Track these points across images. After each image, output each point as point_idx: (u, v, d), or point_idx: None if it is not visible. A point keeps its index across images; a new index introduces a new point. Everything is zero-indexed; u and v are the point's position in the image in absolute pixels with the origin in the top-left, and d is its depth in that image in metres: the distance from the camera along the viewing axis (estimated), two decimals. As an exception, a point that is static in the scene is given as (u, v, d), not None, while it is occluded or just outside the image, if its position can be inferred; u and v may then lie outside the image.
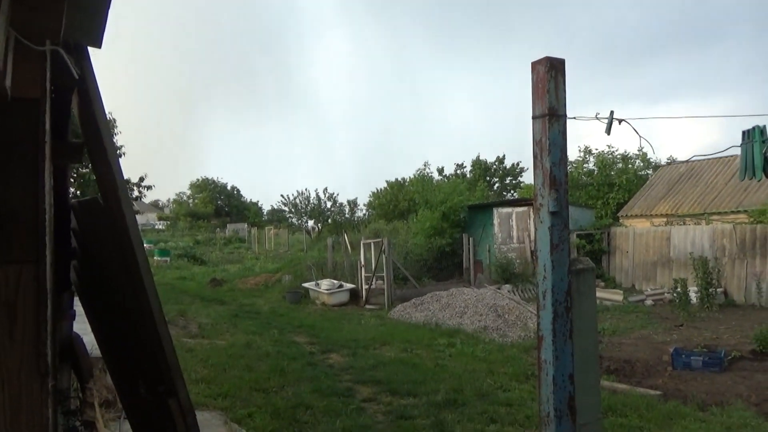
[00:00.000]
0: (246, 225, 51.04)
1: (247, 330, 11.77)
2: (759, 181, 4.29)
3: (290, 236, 41.43)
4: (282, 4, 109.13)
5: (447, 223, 20.72)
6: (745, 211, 21.23)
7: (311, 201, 45.25)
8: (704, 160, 27.52)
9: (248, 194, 71.43)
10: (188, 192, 70.10)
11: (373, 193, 44.51)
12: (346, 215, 45.37)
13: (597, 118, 2.57)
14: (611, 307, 14.41)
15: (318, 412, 6.51)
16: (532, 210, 19.40)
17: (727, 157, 26.10)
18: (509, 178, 35.06)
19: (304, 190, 45.29)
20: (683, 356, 8.61)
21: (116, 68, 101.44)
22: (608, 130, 2.57)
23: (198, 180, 68.59)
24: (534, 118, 2.62)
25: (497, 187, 34.59)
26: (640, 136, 2.66)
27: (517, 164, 35.20)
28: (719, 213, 21.76)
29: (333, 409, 6.57)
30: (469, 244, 18.36)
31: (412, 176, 41.98)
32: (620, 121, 2.59)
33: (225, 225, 54.23)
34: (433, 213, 20.83)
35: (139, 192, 15.41)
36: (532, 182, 2.64)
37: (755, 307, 14.05)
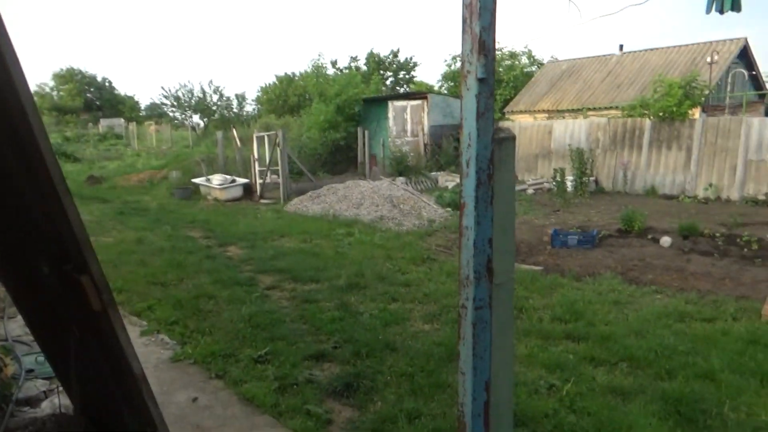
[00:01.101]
0: (122, 120, 47.02)
1: (136, 227, 11.19)
2: (723, 13, 4.06)
3: (173, 132, 38.96)
4: None
5: (342, 117, 20.42)
6: (617, 107, 22.92)
7: (195, 94, 42.37)
8: (585, 59, 28.97)
9: (122, 87, 65.27)
10: (51, 83, 62.70)
11: (262, 88, 42.53)
12: (234, 110, 43.21)
13: None
14: (498, 196, 15.27)
15: (221, 301, 6.46)
16: (426, 104, 19.59)
17: (604, 56, 27.59)
18: (403, 72, 34.81)
19: (187, 82, 42.17)
20: (561, 236, 9.43)
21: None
22: None
23: (62, 70, 61.34)
24: (460, -23, 2.49)
25: (391, 82, 34.30)
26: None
27: (411, 58, 34.94)
28: (595, 109, 23.33)
29: (236, 297, 6.55)
30: (364, 137, 18.31)
31: (302, 71, 40.48)
32: None
33: (98, 120, 49.62)
34: (328, 106, 20.37)
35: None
36: (460, 49, 2.56)
37: (621, 194, 15.56)
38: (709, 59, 21.34)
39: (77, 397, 3.30)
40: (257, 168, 16.13)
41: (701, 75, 17.46)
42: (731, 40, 23.85)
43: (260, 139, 16.90)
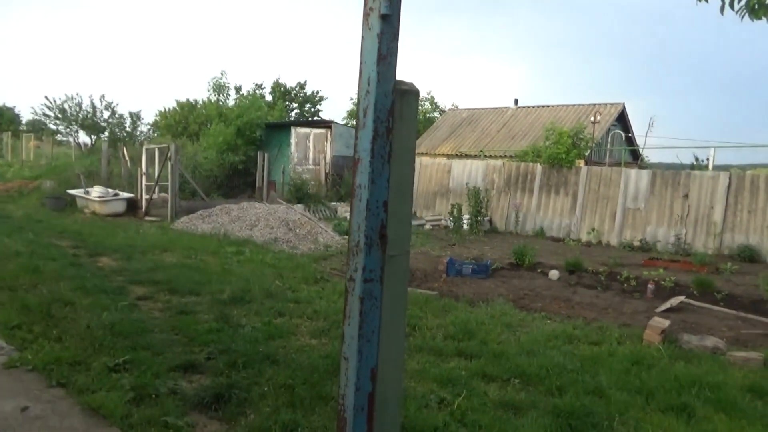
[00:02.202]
0: (-3, 131, 42.65)
1: (-9, 232, 9.83)
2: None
3: (55, 149, 35.89)
4: None
5: (242, 140, 19.72)
6: (511, 156, 24.15)
7: (84, 108, 39.48)
8: (483, 109, 30.50)
9: (1, 98, 59.54)
10: None
11: (161, 112, 40.55)
12: (127, 129, 40.69)
13: None
14: (396, 228, 15.23)
15: (80, 308, 5.65)
16: (330, 133, 19.44)
17: (501, 108, 29.17)
18: (308, 105, 34.66)
19: (75, 95, 39.27)
20: (456, 265, 9.40)
21: None
22: None
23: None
24: None
25: (296, 114, 33.97)
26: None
27: (317, 92, 34.93)
28: (492, 156, 24.40)
29: (99, 305, 5.76)
30: (264, 161, 17.73)
31: (205, 98, 39.14)
32: None
33: (-33, 128, 44.66)
34: (228, 127, 19.61)
35: None
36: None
37: (512, 234, 16.09)
38: (592, 119, 23.11)
39: None
40: (144, 183, 15.01)
41: (586, 130, 18.78)
42: (611, 104, 26.14)
43: (150, 154, 15.82)
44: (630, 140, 27.12)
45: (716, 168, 16.42)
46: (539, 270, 9.92)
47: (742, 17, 3.93)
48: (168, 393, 3.83)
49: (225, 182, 19.26)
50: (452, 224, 15.20)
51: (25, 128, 50.64)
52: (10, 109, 57.72)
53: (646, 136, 39.89)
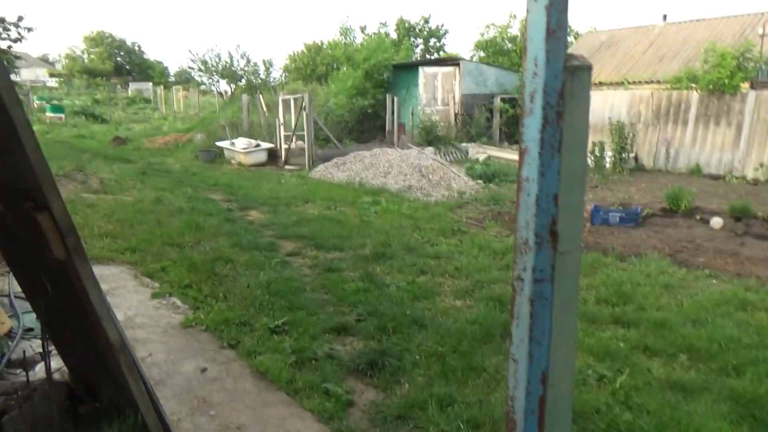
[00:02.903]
0: (150, 84, 46.90)
1: (157, 187, 10.88)
2: None
3: (201, 98, 38.71)
4: None
5: (370, 83, 19.75)
6: (659, 80, 21.78)
7: (223, 59, 41.82)
8: (625, 29, 27.64)
9: (151, 53, 65.10)
10: (82, 46, 62.87)
11: (290, 56, 41.76)
12: (261, 76, 42.60)
13: None
14: (531, 169, 14.59)
15: (239, 265, 6.08)
16: (458, 71, 18.80)
17: (646, 26, 26.27)
18: (433, 39, 33.73)
19: (214, 47, 41.68)
20: (601, 212, 8.81)
21: None
22: None
23: (92, 33, 61.41)
24: None
25: (421, 50, 33.30)
26: None
27: (442, 26, 33.78)
28: (636, 82, 22.21)
29: (255, 262, 6.16)
30: (393, 105, 17.68)
31: (331, 39, 39.58)
32: None
33: (127, 84, 49.66)
34: (356, 71, 19.70)
35: (18, 33, 13.12)
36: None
37: (662, 172, 14.73)
38: (760, 31, 19.96)
39: (68, 360, 2.93)
40: (282, 133, 15.69)
41: (755, 48, 16.31)
42: (787, 11, 22.36)
43: (286, 103, 16.41)
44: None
45: None
46: (698, 216, 8.99)
47: None
48: (325, 357, 4.02)
49: (356, 127, 19.57)
50: (593, 163, 14.23)
51: (173, 80, 55.10)
52: (160, 63, 63.02)
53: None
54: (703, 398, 3.47)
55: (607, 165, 14.21)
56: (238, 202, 9.97)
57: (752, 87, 15.25)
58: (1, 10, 13.15)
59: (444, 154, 16.34)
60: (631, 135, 14.81)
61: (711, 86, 14.15)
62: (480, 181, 12.61)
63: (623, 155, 14.47)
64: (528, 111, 2.16)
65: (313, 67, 39.20)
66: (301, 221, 8.38)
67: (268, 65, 42.72)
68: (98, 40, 61.17)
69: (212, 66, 42.53)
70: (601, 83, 24.08)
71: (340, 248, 6.94)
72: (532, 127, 2.13)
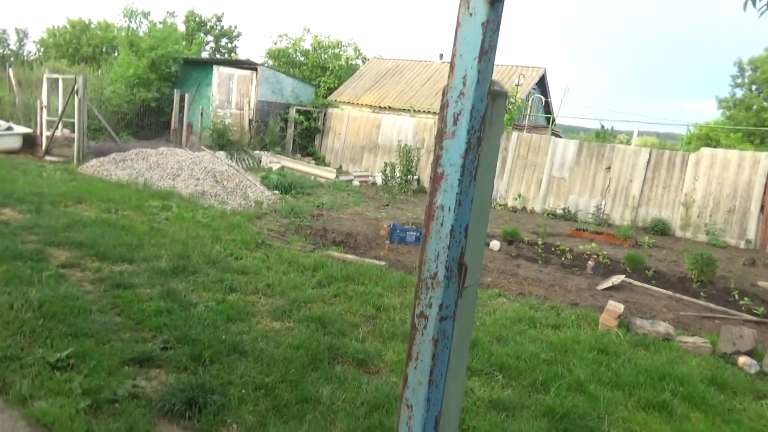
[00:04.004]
0: None
1: None
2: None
3: None
4: None
5: (155, 75, 17.99)
6: (435, 112, 24.00)
7: (-42, 19, 34.41)
8: (408, 61, 29.97)
9: None
10: None
11: (49, 30, 36.24)
12: (12, 47, 36.13)
13: None
14: (325, 184, 14.74)
15: (-5, 279, 4.81)
16: (255, 75, 18.20)
17: (426, 61, 28.81)
18: (225, 39, 32.30)
19: (-54, 3, 34.00)
20: (399, 231, 9.18)
21: None
22: None
23: None
24: None
25: (212, 48, 31.61)
26: None
27: (235, 27, 32.54)
28: (416, 111, 24.15)
29: (18, 276, 4.96)
30: (182, 102, 16.32)
31: (102, 19, 35.41)
32: None
33: None
34: (140, 60, 17.76)
35: None
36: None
37: (440, 195, 16.08)
38: (516, 81, 23.41)
39: None
40: (45, 117, 13.31)
41: (516, 95, 18.94)
42: (534, 67, 26.58)
43: (52, 83, 14.01)
44: (548, 105, 27.90)
45: (621, 133, 17.21)
46: (479, 239, 9.93)
47: (762, 14, 3.82)
48: (129, 397, 3.32)
49: (135, 121, 17.62)
50: (384, 183, 14.92)
51: None
52: None
53: (561, 102, 41.40)
54: (524, 416, 3.68)
55: (395, 185, 15.03)
56: (-16, 196, 8.07)
57: (513, 128, 17.68)
58: None
59: (237, 161, 15.59)
60: (416, 159, 15.90)
61: (483, 122, 15.95)
62: (277, 192, 12.26)
63: (409, 177, 15.45)
64: (449, 133, 1.96)
65: (77, 46, 34.60)
66: (74, 225, 7.08)
67: (21, 35, 36.45)
68: None
69: (-59, 26, 34.75)
70: (389, 107, 25.68)
71: (129, 259, 5.98)
72: (453, 151, 1.94)
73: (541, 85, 27.36)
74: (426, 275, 2.08)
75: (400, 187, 15.15)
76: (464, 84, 1.87)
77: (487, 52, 1.89)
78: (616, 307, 5.90)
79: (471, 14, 1.84)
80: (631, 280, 7.78)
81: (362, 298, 5.68)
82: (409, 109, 24.06)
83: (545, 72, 26.81)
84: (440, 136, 2.00)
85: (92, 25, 35.92)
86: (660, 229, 13.03)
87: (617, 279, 7.57)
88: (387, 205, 13.01)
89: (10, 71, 18.33)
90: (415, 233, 9.16)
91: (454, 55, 1.99)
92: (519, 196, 15.16)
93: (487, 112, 1.96)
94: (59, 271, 5.33)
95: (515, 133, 15.74)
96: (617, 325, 5.73)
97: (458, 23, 1.99)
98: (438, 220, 1.96)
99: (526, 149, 15.34)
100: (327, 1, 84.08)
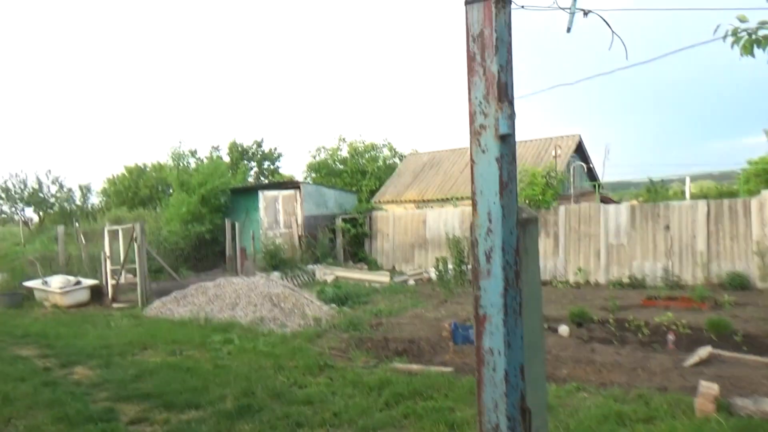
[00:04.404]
0: (-67, 215, 40.26)
1: (-57, 348, 8.77)
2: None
3: (0, 228, 34.01)
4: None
5: (207, 208, 18.94)
6: (478, 197, 24.12)
7: (29, 185, 37.73)
8: (443, 151, 30.65)
9: (-63, 177, 56.58)
10: None
11: (109, 179, 39.24)
12: (77, 202, 39.01)
13: (558, 8, 1.91)
14: (380, 289, 14.68)
15: (68, 449, 4.84)
16: (299, 193, 18.91)
17: (461, 148, 29.38)
18: (267, 162, 34.14)
19: (20, 172, 37.51)
20: (461, 330, 8.89)
21: None
22: (570, 27, 1.94)
23: None
24: (469, 2, 1.83)
25: (255, 173, 33.39)
26: (612, 31, 2.08)
27: (275, 149, 34.47)
28: (458, 198, 24.31)
29: (90, 441, 4.96)
30: (233, 230, 17.00)
31: (155, 162, 38.20)
32: (586, 12, 1.98)
33: None
34: (191, 197, 18.81)
35: None
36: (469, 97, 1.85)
37: (498, 281, 15.73)
38: (553, 153, 23.42)
39: None
40: (109, 267, 14.04)
41: (557, 168, 18.88)
42: (568, 136, 26.66)
43: (113, 234, 14.90)
44: (591, 171, 27.60)
45: (674, 182, 16.64)
46: (546, 326, 9.50)
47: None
48: None
49: (193, 254, 18.36)
50: (438, 277, 14.77)
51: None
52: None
53: (604, 165, 40.93)
54: None
55: (450, 278, 14.83)
56: (57, 356, 8.35)
57: (559, 201, 17.46)
58: None
59: (291, 278, 15.85)
60: (466, 249, 15.77)
61: (528, 202, 15.84)
62: (333, 305, 12.26)
63: (462, 268, 15.25)
64: (484, 272, 1.89)
65: (136, 190, 37.11)
66: (142, 374, 7.19)
67: (85, 190, 39.45)
68: None
69: (15, 193, 38.11)
70: (429, 200, 26.00)
71: (195, 405, 5.96)
72: (491, 291, 1.86)
73: (580, 151, 27.28)
74: (487, 427, 1.95)
75: (455, 279, 14.93)
76: (490, 220, 1.83)
77: (507, 185, 1.86)
78: (709, 387, 5.39)
79: (483, 151, 1.83)
80: (719, 351, 7.17)
81: (433, 415, 5.40)
82: (451, 199, 24.28)
83: (581, 138, 26.82)
84: (475, 275, 1.93)
85: (147, 169, 38.65)
86: (738, 283, 12.20)
87: (704, 352, 6.99)
88: (445, 301, 12.76)
89: (78, 227, 19.72)
90: (477, 330, 8.85)
91: (474, 193, 1.96)
92: (579, 270, 14.64)
93: (520, 243, 1.90)
94: (128, 430, 5.34)
95: (562, 207, 15.50)
96: (716, 408, 5.20)
97: (473, 161, 1.98)
98: (489, 366, 1.85)
99: (576, 221, 15.01)
100: (357, 109, 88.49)
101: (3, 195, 38.56)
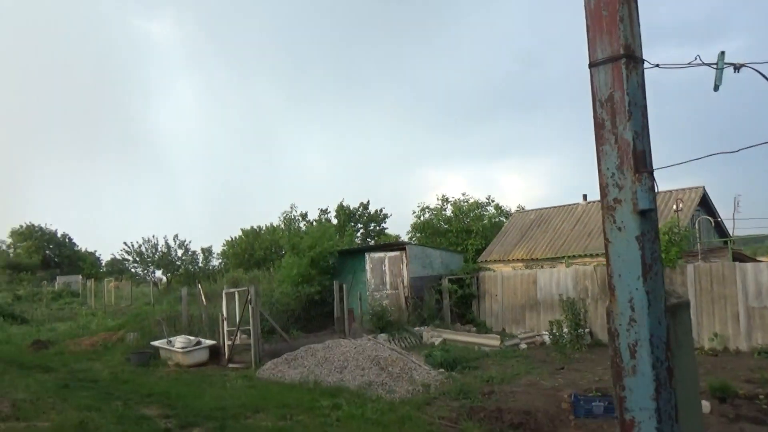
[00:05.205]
0: (80, 277, 45.02)
1: (81, 405, 9.42)
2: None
3: (134, 289, 37.16)
4: (121, 47, 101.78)
5: (316, 270, 19.48)
6: (591, 254, 22.81)
7: (159, 249, 41.25)
8: (551, 208, 29.62)
9: (83, 243, 63.74)
10: (8, 241, 60.98)
11: (227, 241, 41.96)
12: (200, 264, 41.95)
13: (701, 63, 1.70)
14: (491, 353, 14.06)
15: None
16: (404, 255, 18.94)
17: (570, 205, 28.25)
18: (373, 224, 34.90)
19: (151, 237, 41.20)
20: (583, 402, 8.20)
21: None
22: (718, 85, 1.72)
23: (21, 227, 60.00)
24: (594, 65, 1.67)
25: (361, 234, 34.19)
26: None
27: (381, 210, 35.23)
28: (570, 257, 23.13)
29: None
30: (341, 291, 17.26)
31: (269, 224, 40.46)
32: (738, 67, 1.76)
33: (54, 277, 47.41)
34: (302, 259, 19.48)
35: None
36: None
37: (619, 346, 14.52)
38: (674, 207, 21.79)
39: None
40: (226, 328, 14.68)
41: (680, 223, 17.50)
42: (691, 188, 24.80)
43: (230, 296, 15.65)
44: (719, 225, 25.32)
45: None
46: (680, 399, 8.51)
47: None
48: None
49: (303, 315, 18.79)
50: (552, 342, 13.93)
51: (105, 270, 53.29)
52: (92, 254, 61.39)
53: (734, 218, 37.67)
54: None
55: (566, 343, 13.93)
56: (178, 417, 8.68)
57: (685, 260, 16.03)
58: None
59: (398, 340, 15.66)
60: (582, 311, 14.84)
61: (649, 260, 14.69)
62: (442, 370, 11.85)
63: (579, 332, 14.31)
64: (628, 369, 1.62)
65: (251, 251, 39.29)
66: (254, 439, 7.24)
67: (206, 253, 42.42)
68: (27, 234, 59.61)
69: (148, 257, 41.73)
70: (537, 259, 25.02)
71: (305, 476, 5.85)
72: (639, 391, 1.58)
73: (704, 204, 25.26)
74: None
75: (572, 344, 14.01)
76: (632, 308, 1.59)
77: (651, 266, 1.63)
78: None
79: (620, 228, 1.63)
80: None
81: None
82: (562, 257, 23.18)
83: (705, 191, 24.88)
84: (617, 372, 1.68)
85: (261, 231, 40.96)
86: None
87: None
88: (562, 368, 11.92)
89: (200, 290, 21.01)
90: (602, 403, 8.10)
91: (611, 276, 1.74)
92: (715, 336, 13.16)
93: (671, 334, 1.64)
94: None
95: (690, 266, 14.20)
96: None
97: (607, 239, 1.77)
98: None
99: (708, 281, 13.64)
100: (459, 169, 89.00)
101: (137, 258, 42.46)
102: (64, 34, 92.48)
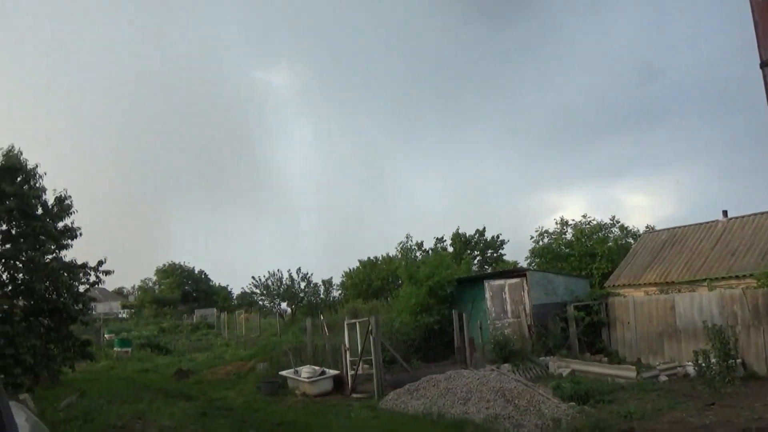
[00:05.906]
0: (215, 310, 48.48)
1: (219, 432, 9.96)
2: None
3: (262, 320, 39.23)
4: (244, 99, 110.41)
5: (434, 299, 19.34)
6: (737, 276, 20.51)
7: (284, 282, 43.36)
8: (686, 227, 27.24)
9: (217, 278, 68.77)
10: (154, 278, 67.48)
11: (346, 273, 43.15)
12: (321, 296, 43.48)
13: None
14: (626, 385, 13.00)
15: None
16: (525, 282, 18.27)
17: (707, 223, 25.81)
18: (490, 251, 34.22)
19: (276, 271, 43.45)
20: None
21: (77, 144, 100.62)
22: None
23: (164, 265, 66.12)
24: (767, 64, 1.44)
25: (478, 261, 33.63)
26: None
27: (498, 236, 34.48)
28: (711, 279, 20.98)
29: None
30: (461, 320, 16.94)
31: (386, 254, 41.16)
32: None
33: (192, 311, 51.46)
34: (420, 289, 19.46)
35: (97, 277, 13.73)
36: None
37: (781, 379, 12.84)
38: None
39: None
40: (348, 358, 14.93)
41: None
42: None
43: (351, 326, 15.94)
44: None
45: None
46: None
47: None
48: None
49: (422, 344, 18.67)
50: (698, 374, 12.60)
51: (236, 303, 56.92)
52: (224, 288, 65.93)
53: None
54: None
55: (715, 375, 12.53)
56: (306, 447, 8.88)
57: None
58: (83, 254, 13.77)
59: (523, 371, 15.00)
60: (732, 339, 13.31)
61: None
62: (573, 404, 11.12)
63: (729, 363, 12.81)
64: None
65: (369, 282, 40.05)
66: (380, 472, 7.18)
67: (327, 285, 43.85)
68: (169, 271, 65.40)
69: (274, 290, 44.00)
70: (673, 282, 22.98)
71: None
72: None
73: None
74: None
75: (721, 377, 12.56)
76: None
77: None
78: None
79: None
80: None
81: None
82: (703, 280, 21.12)
83: None
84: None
85: (378, 262, 41.72)
86: None
87: None
88: (712, 404, 10.70)
89: (323, 321, 21.68)
90: (766, 445, 7.12)
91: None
92: None
93: None
94: None
95: None
96: None
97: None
98: None
99: None
100: (578, 191, 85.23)
101: (264, 291, 44.97)
102: (198, 91, 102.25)
